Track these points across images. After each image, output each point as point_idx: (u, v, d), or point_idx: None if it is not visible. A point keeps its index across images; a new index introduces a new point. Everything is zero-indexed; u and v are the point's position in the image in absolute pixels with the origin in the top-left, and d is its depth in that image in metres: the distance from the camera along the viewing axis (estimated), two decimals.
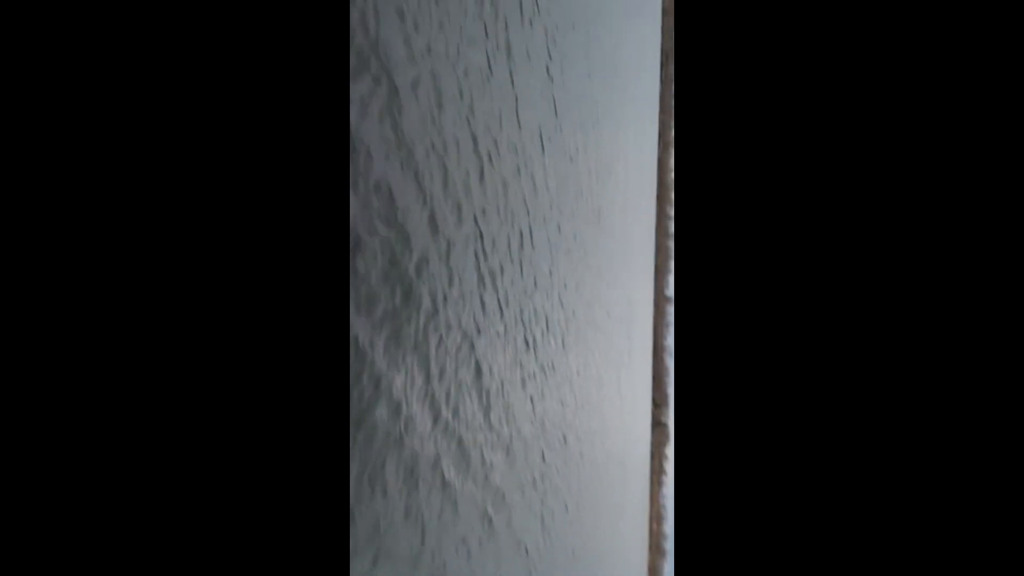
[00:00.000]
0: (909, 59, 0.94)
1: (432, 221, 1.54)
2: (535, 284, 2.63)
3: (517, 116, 2.33)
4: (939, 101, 0.93)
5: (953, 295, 0.92)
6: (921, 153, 0.94)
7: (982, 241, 0.91)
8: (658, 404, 18.41)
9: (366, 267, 1.22)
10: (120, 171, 0.74)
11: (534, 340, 2.63)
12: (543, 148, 2.74)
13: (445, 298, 1.63)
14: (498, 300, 2.11)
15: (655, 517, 18.77)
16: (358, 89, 1.18)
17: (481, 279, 1.93)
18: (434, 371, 1.56)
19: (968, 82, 0.93)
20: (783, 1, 0.96)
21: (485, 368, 1.97)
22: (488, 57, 1.98)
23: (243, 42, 0.77)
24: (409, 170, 1.40)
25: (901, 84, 0.94)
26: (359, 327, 1.19)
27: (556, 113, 3.00)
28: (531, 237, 2.55)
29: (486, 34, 1.96)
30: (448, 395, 1.66)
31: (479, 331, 1.91)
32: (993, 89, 0.92)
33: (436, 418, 1.58)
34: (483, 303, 1.95)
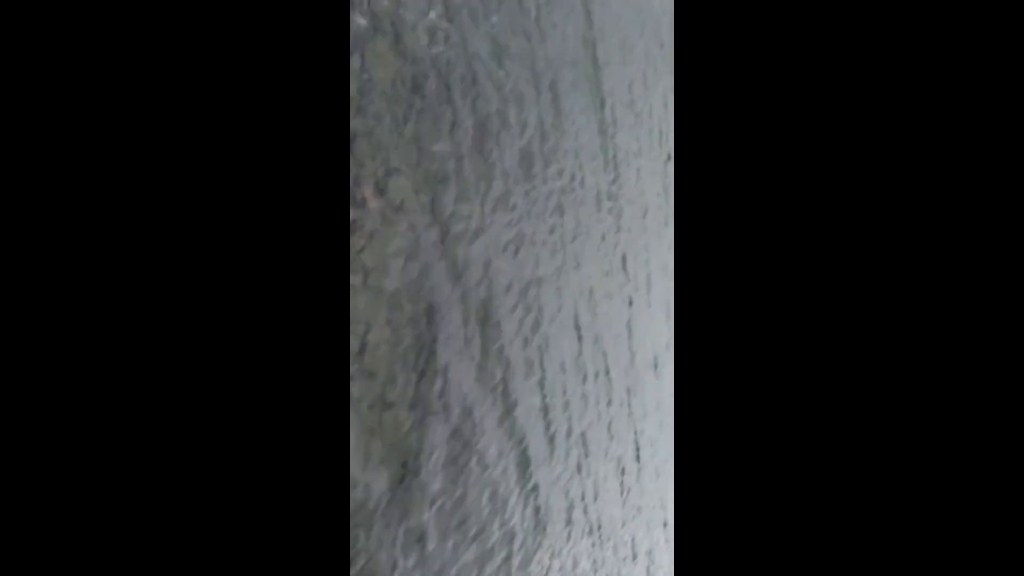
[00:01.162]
0: (908, 62, 0.94)
1: None
2: None
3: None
4: (938, 103, 0.93)
5: (951, 300, 0.92)
6: (920, 155, 0.93)
7: (982, 255, 0.91)
8: None
9: None
10: (121, 170, 0.74)
11: None
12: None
13: None
14: None
15: None
16: None
17: None
18: None
19: (968, 86, 0.92)
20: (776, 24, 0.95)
21: None
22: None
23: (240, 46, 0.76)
24: None
25: (899, 92, 0.94)
26: None
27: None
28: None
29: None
30: None
31: None
32: (993, 90, 0.91)
33: None
34: None
